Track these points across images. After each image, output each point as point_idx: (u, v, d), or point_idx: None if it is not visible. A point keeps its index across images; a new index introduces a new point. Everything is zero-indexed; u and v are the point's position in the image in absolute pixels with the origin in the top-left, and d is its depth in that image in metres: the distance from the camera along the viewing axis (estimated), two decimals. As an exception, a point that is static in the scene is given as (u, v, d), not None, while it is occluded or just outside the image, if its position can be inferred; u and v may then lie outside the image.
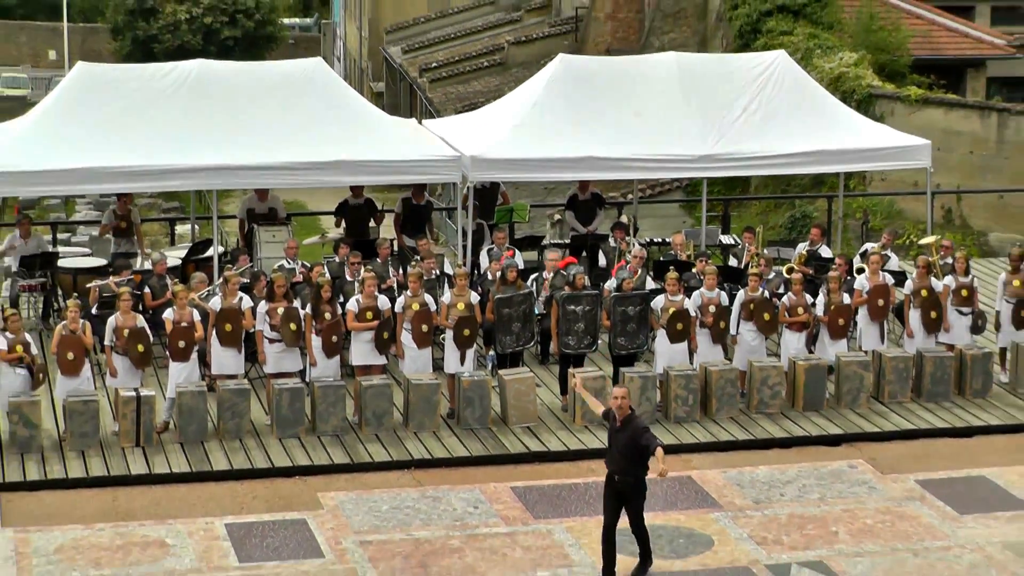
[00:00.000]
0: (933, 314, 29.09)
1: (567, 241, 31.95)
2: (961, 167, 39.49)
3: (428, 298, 27.68)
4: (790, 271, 29.77)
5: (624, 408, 20.58)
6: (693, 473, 25.53)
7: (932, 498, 25.52)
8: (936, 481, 26.12)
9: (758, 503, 23.02)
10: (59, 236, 32.73)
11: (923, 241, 31.61)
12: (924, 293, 28.98)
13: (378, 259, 30.35)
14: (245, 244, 32.53)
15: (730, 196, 36.70)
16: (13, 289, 30.05)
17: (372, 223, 32.42)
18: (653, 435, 20.80)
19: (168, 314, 27.05)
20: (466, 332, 27.46)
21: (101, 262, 30.39)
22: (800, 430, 27.95)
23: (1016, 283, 29.86)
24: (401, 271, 29.66)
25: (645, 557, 21.20)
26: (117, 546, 23.32)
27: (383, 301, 27.89)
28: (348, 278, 29.01)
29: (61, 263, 31.00)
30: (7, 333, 26.29)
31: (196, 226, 34.65)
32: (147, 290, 28.21)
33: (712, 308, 28.30)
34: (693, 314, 28.38)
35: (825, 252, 30.57)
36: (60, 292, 29.27)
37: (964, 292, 29.57)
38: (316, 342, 27.42)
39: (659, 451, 20.71)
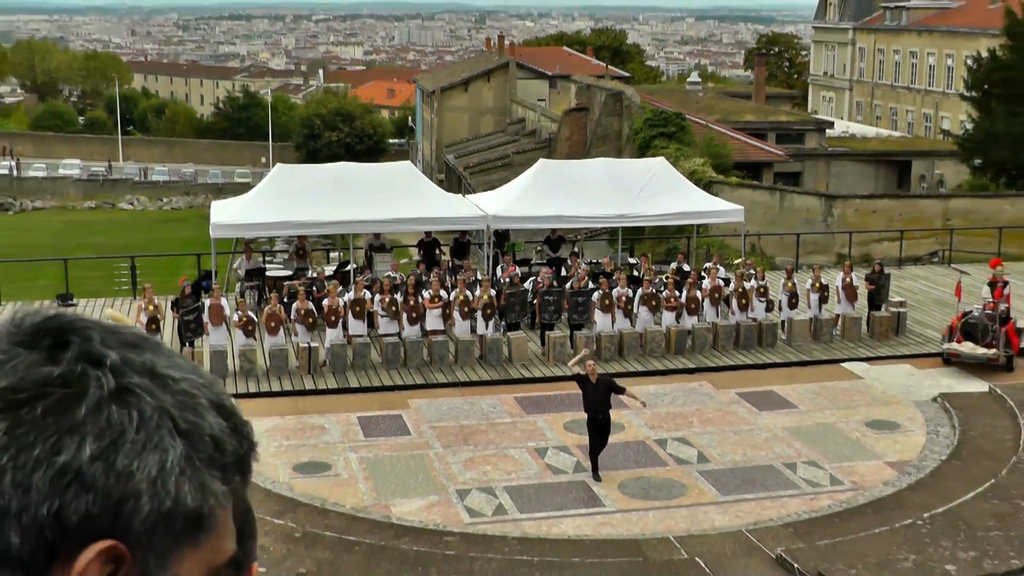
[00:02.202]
0: (744, 301, 28.95)
1: (544, 261, 32.00)
2: (760, 220, 39.41)
3: (468, 293, 28.00)
4: (667, 277, 29.93)
5: (594, 371, 20.82)
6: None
7: (744, 402, 25.71)
8: (746, 393, 26.17)
9: (649, 406, 23.00)
10: (266, 258, 32.83)
11: (737, 261, 31.58)
12: (740, 290, 28.90)
13: (439, 269, 30.07)
14: (367, 263, 32.25)
15: (633, 236, 36.54)
16: (241, 287, 30.22)
17: (437, 251, 32.55)
18: (616, 381, 21.20)
19: (325, 302, 27.20)
20: (489, 311, 27.71)
21: (289, 273, 30.55)
22: (673, 366, 27.84)
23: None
24: (452, 277, 29.57)
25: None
26: (296, 428, 23.84)
27: (443, 294, 28.07)
28: (424, 280, 28.80)
29: (268, 273, 31.15)
30: (238, 311, 26.77)
31: (340, 252, 34.73)
32: (314, 288, 28.03)
33: (624, 299, 28.34)
34: (613, 302, 28.49)
35: (686, 268, 30.55)
36: (267, 290, 29.37)
37: (761, 289, 29.37)
38: (404, 317, 27.55)
39: (627, 389, 21.19)
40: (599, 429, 20.91)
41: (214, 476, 1.18)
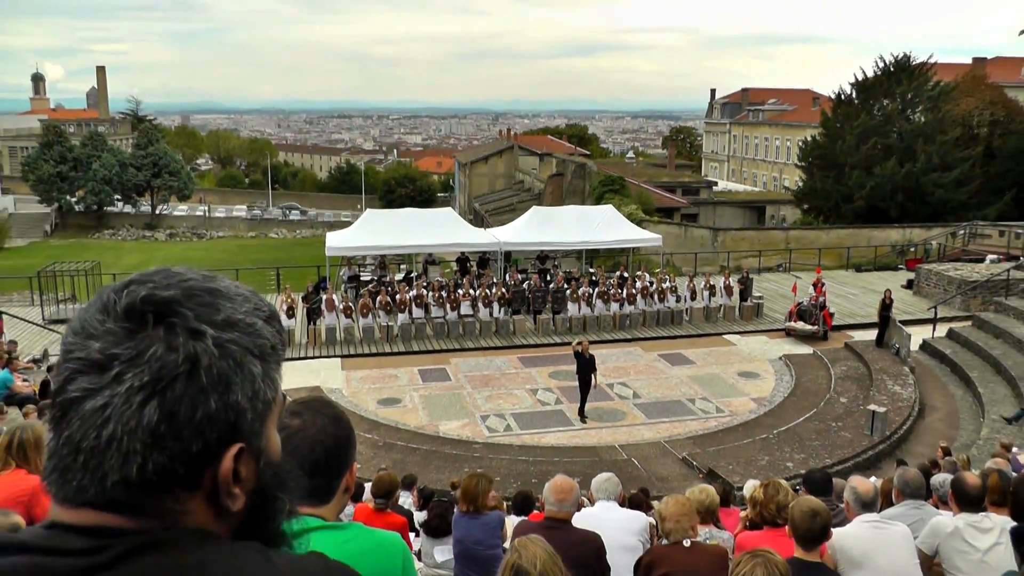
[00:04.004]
0: (662, 295, 28.64)
1: (536, 270, 31.84)
2: (672, 244, 39.23)
3: (488, 291, 27.84)
4: (614, 280, 29.81)
5: (586, 349, 20.66)
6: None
7: (662, 360, 25.56)
8: (663, 354, 26.01)
9: (600, 363, 22.75)
10: (360, 269, 32.69)
11: (657, 270, 31.37)
12: (659, 288, 28.60)
13: (469, 276, 29.93)
14: (424, 271, 31.85)
15: (592, 255, 36.36)
16: (345, 287, 30.07)
17: (468, 264, 32.37)
18: (595, 359, 20.96)
19: (397, 297, 27.01)
20: (501, 302, 27.64)
21: (375, 279, 30.43)
22: (617, 337, 27.67)
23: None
24: (477, 281, 29.45)
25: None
26: (380, 377, 23.79)
27: (472, 291, 27.88)
28: (460, 282, 28.65)
29: (362, 278, 31.06)
30: (343, 302, 26.72)
31: (406, 265, 34.58)
32: (391, 288, 27.84)
33: (586, 294, 28.09)
34: (579, 296, 28.35)
35: (625, 274, 30.34)
36: (359, 289, 29.30)
37: (673, 288, 29.03)
38: (448, 306, 27.37)
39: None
40: (585, 386, 20.82)
41: (277, 370, 1.25)
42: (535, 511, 8.66)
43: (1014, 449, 14.70)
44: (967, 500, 5.32)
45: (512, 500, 9.42)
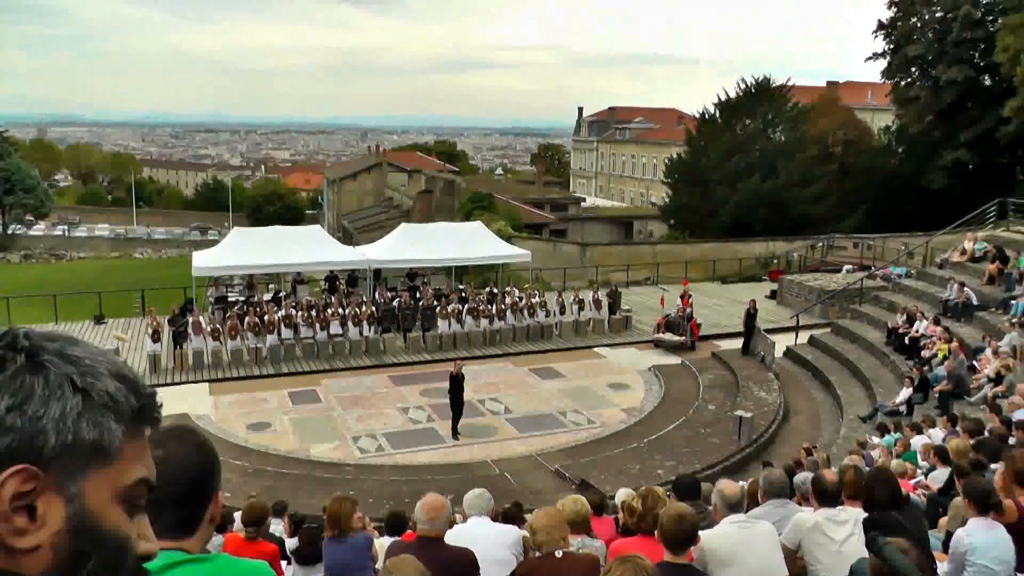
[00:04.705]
0: (531, 310, 28.89)
1: (406, 288, 31.68)
2: (541, 260, 39.42)
3: (357, 309, 27.53)
4: (483, 296, 29.80)
5: (459, 370, 20.61)
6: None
7: (534, 375, 25.72)
8: (534, 368, 26.18)
9: (471, 379, 22.86)
10: (228, 289, 31.89)
11: (526, 286, 31.62)
12: (529, 303, 28.86)
13: (338, 294, 29.74)
14: (292, 291, 31.42)
15: (461, 271, 36.23)
16: (212, 309, 29.14)
17: (337, 283, 31.89)
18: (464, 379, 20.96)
19: (266, 317, 26.56)
20: (370, 321, 27.33)
21: (243, 299, 29.67)
22: (488, 352, 27.65)
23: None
24: (347, 300, 29.21)
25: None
26: (249, 400, 23.25)
27: (341, 310, 27.67)
28: (329, 301, 28.48)
29: (229, 299, 30.11)
30: (210, 324, 26.03)
31: (275, 284, 33.89)
32: (259, 308, 27.40)
33: (456, 311, 28.11)
34: (449, 313, 28.36)
35: (495, 290, 30.45)
36: (227, 310, 28.55)
37: (542, 303, 29.34)
38: (317, 326, 27.10)
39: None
40: (458, 407, 20.80)
41: (109, 419, 1.16)
42: (408, 531, 8.59)
43: (874, 440, 15.39)
44: (825, 496, 5.61)
45: (385, 521, 9.35)
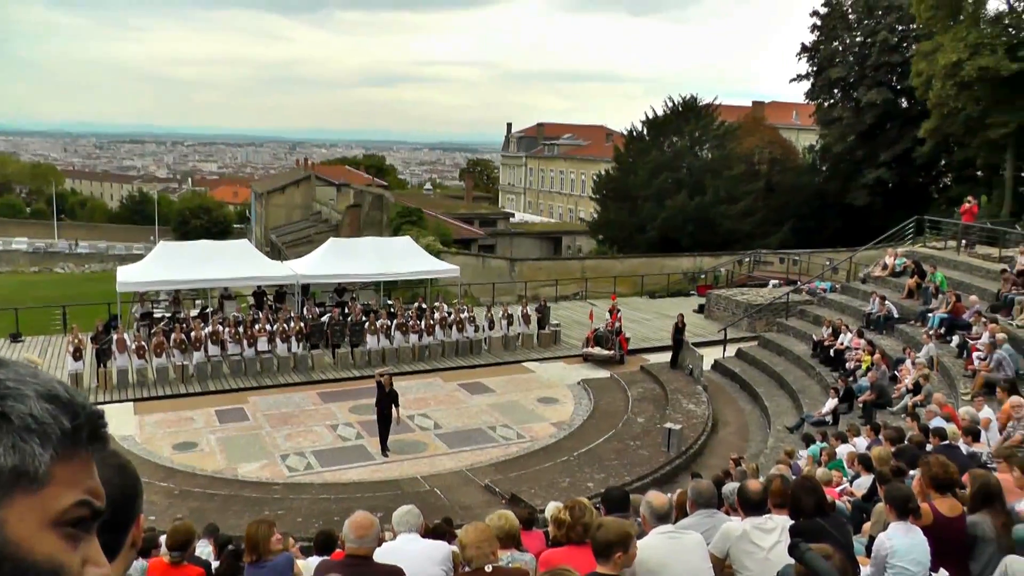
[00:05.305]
0: (460, 325, 28.92)
1: (334, 303, 31.38)
2: (469, 275, 39.36)
3: (285, 325, 27.22)
4: (412, 312, 29.66)
5: (389, 383, 20.43)
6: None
7: (462, 390, 25.65)
8: (463, 383, 26.13)
9: (401, 394, 22.72)
10: (154, 305, 31.26)
11: (455, 300, 31.56)
12: (457, 318, 28.88)
13: (267, 310, 29.40)
14: (219, 307, 30.71)
15: (390, 286, 35.91)
16: (137, 326, 28.53)
17: (265, 298, 31.50)
18: (397, 393, 20.80)
19: (192, 334, 26.17)
20: (299, 337, 27.16)
21: (169, 315, 29.06)
22: (417, 368, 27.53)
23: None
24: (274, 315, 28.89)
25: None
26: (175, 420, 22.77)
27: (269, 326, 27.28)
28: (257, 317, 28.10)
29: (155, 315, 29.54)
30: (135, 342, 25.46)
31: (201, 300, 33.26)
32: (185, 324, 26.95)
33: (384, 326, 28.01)
34: (378, 329, 28.25)
35: (423, 305, 30.27)
36: (153, 326, 27.98)
37: (471, 318, 29.40)
38: (244, 342, 26.76)
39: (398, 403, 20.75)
40: (386, 419, 20.62)
41: (34, 443, 1.10)
42: (337, 550, 8.51)
43: (801, 452, 15.66)
44: (750, 505, 5.74)
45: (314, 540, 9.25)
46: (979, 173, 45.66)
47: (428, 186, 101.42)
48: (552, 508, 9.25)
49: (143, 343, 25.90)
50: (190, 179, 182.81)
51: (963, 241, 28.99)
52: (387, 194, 55.83)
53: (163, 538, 8.82)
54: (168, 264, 28.64)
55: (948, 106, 37.28)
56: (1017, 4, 37.52)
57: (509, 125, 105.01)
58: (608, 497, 6.66)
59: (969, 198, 30.39)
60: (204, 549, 10.14)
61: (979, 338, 20.01)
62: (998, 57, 34.49)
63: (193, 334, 26.10)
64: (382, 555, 5.60)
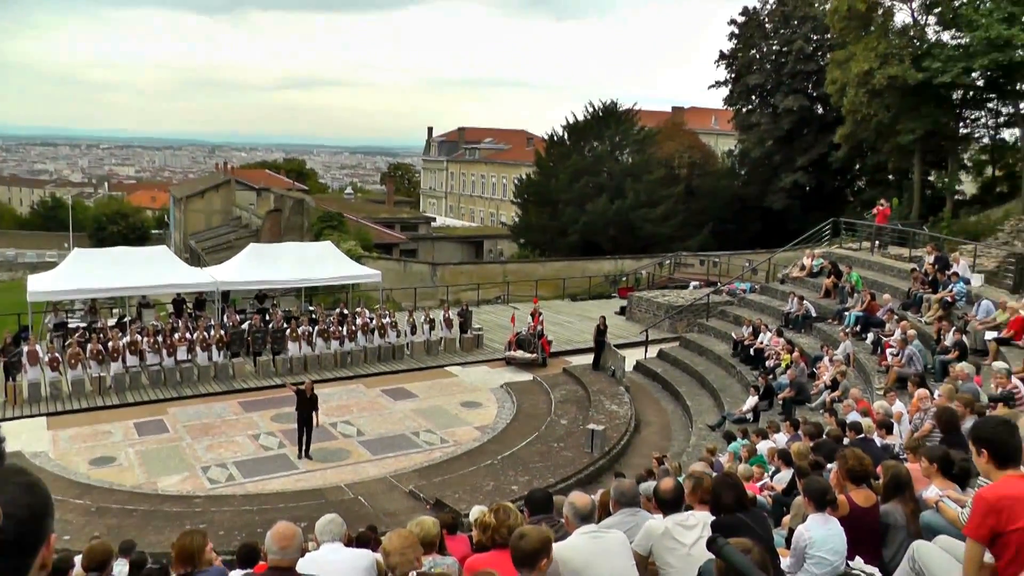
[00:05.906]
0: (382, 331, 28.76)
1: (255, 310, 30.89)
2: (391, 280, 39.18)
3: (205, 333, 26.71)
4: (333, 318, 29.42)
5: (310, 389, 20.45)
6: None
7: (385, 396, 25.55)
8: (386, 389, 25.99)
9: (323, 402, 22.58)
10: (68, 315, 30.26)
11: (377, 306, 31.38)
12: (380, 324, 28.77)
13: (186, 318, 28.69)
14: (137, 315, 30.21)
15: (312, 292, 35.52)
16: (51, 336, 27.93)
17: (184, 306, 30.94)
18: (318, 398, 20.89)
19: (110, 344, 25.48)
20: (219, 345, 26.69)
21: (84, 325, 28.25)
22: (339, 375, 27.32)
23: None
24: (194, 323, 28.33)
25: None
26: (92, 434, 22.20)
27: (188, 335, 26.82)
28: (176, 325, 27.56)
29: (69, 325, 28.45)
30: (48, 353, 24.74)
31: (119, 309, 32.59)
32: (101, 335, 26.33)
33: (306, 333, 27.73)
34: (299, 335, 27.98)
35: (345, 311, 29.95)
36: (67, 337, 27.27)
37: (393, 323, 29.34)
38: (164, 352, 26.22)
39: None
40: (307, 425, 20.48)
41: None
42: (261, 562, 8.38)
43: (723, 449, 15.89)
44: (664, 504, 5.87)
45: (236, 553, 9.09)
46: (891, 177, 47.16)
47: (349, 190, 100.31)
48: (476, 512, 9.25)
49: (57, 354, 25.21)
50: (106, 183, 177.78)
51: (876, 242, 29.87)
52: (308, 199, 55.19)
53: (78, 559, 8.58)
54: (83, 272, 27.90)
55: (861, 113, 38.38)
56: (920, 17, 38.78)
57: (430, 129, 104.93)
58: (531, 499, 6.65)
59: (882, 201, 31.41)
60: (122, 569, 9.88)
61: (892, 335, 20.61)
62: (904, 67, 35.58)
63: (111, 344, 25.52)
64: (305, 566, 5.51)
